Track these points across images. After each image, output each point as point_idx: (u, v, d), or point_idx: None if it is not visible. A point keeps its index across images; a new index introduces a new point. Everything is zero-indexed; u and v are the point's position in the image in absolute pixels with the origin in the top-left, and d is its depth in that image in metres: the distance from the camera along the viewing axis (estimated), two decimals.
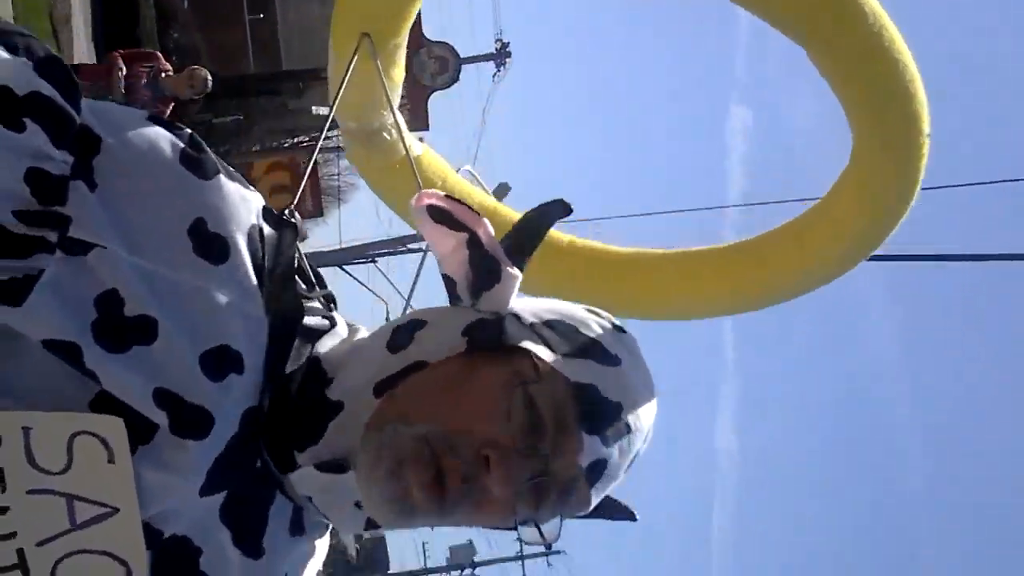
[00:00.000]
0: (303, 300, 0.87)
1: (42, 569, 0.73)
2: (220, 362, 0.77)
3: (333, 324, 0.89)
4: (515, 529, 0.83)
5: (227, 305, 0.78)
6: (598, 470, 0.80)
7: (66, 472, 0.72)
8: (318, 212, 11.88)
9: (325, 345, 0.86)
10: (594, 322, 0.86)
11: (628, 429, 0.81)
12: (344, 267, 10.96)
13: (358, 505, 0.82)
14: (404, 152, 3.22)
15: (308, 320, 0.87)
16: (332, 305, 0.93)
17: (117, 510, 0.72)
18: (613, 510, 0.93)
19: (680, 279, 3.50)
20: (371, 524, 0.85)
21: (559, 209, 0.87)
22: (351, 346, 0.88)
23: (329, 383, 0.83)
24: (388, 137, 3.36)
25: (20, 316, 0.71)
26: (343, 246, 11.31)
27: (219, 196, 0.80)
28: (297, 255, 0.89)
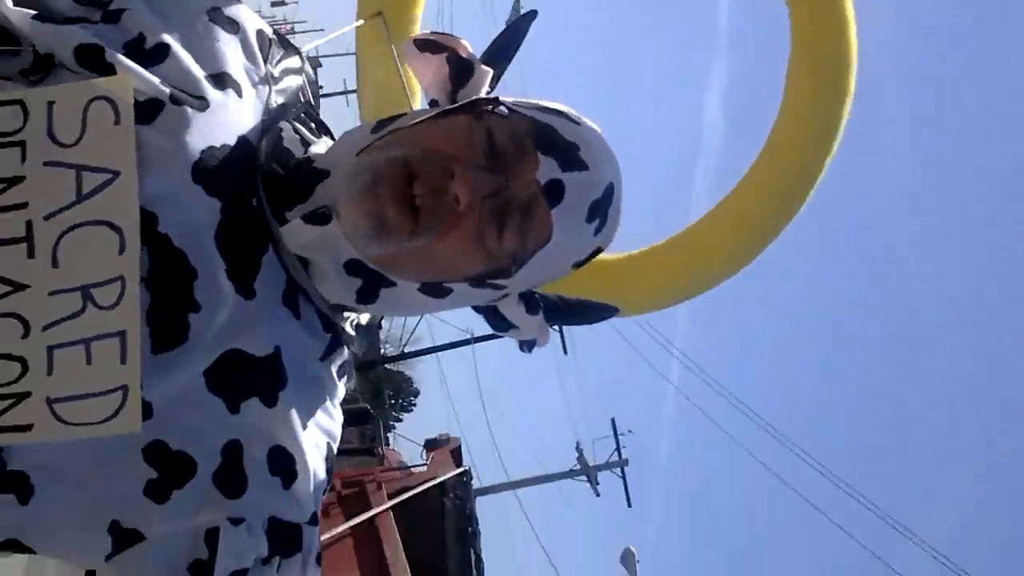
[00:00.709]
0: (304, 110, 0.99)
1: (46, 243, 0.77)
2: (222, 81, 0.89)
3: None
4: (487, 276, 0.88)
5: (233, 56, 0.91)
6: (556, 193, 0.86)
7: (78, 143, 0.79)
8: None
9: (316, 149, 0.96)
10: (561, 105, 0.95)
11: (585, 166, 0.88)
12: None
13: (348, 271, 0.89)
14: None
15: (304, 131, 0.97)
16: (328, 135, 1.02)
17: (118, 173, 0.79)
18: (592, 311, 1.00)
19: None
20: (362, 296, 0.91)
21: (529, 18, 1.01)
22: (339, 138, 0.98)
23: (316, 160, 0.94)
24: None
25: (52, 30, 0.83)
26: None
27: (237, 3, 0.96)
28: (306, 92, 1.00)
